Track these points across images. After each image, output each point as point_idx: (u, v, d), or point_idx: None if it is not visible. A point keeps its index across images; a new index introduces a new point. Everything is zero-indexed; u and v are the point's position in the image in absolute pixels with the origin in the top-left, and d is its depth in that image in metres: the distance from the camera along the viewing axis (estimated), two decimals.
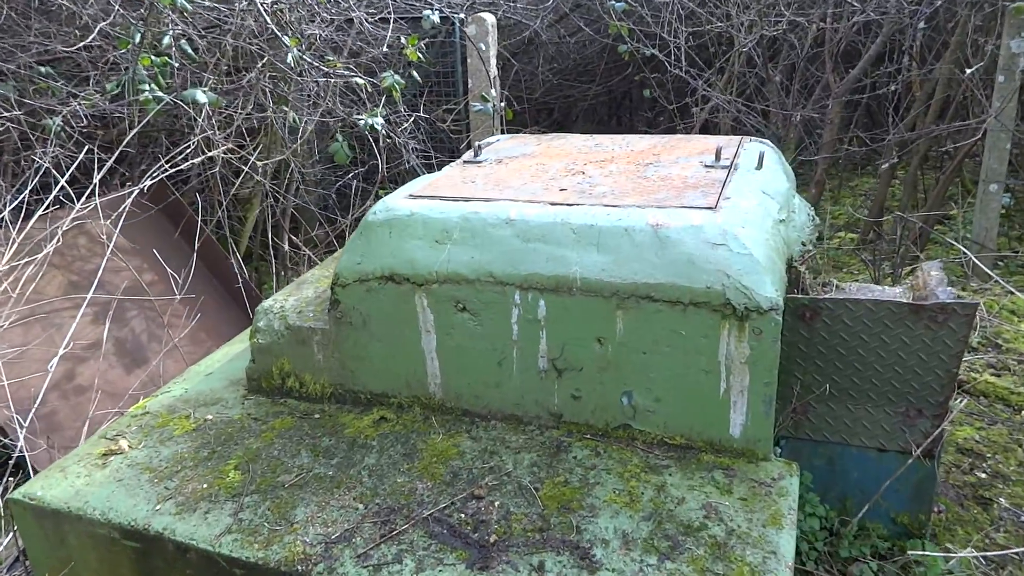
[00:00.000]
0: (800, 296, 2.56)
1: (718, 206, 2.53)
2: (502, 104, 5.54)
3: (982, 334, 4.72)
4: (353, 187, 5.57)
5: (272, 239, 5.48)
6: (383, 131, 5.19)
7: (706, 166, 2.98)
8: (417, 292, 2.71)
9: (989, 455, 3.57)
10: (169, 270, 4.53)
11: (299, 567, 2.23)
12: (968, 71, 4.62)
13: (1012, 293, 4.38)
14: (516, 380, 2.71)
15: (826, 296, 2.54)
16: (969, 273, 5.59)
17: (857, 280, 5.74)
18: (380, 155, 5.30)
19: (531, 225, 2.59)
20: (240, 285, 4.84)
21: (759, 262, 2.35)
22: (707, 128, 7.69)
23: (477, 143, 3.36)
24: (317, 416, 2.95)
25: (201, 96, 3.89)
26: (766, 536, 2.19)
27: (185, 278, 4.25)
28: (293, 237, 5.34)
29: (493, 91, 5.48)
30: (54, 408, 4.07)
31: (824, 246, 6.63)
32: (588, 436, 2.68)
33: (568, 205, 2.64)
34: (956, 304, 2.47)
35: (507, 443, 2.68)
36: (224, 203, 4.82)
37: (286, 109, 5.04)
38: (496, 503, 2.41)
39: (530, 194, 2.77)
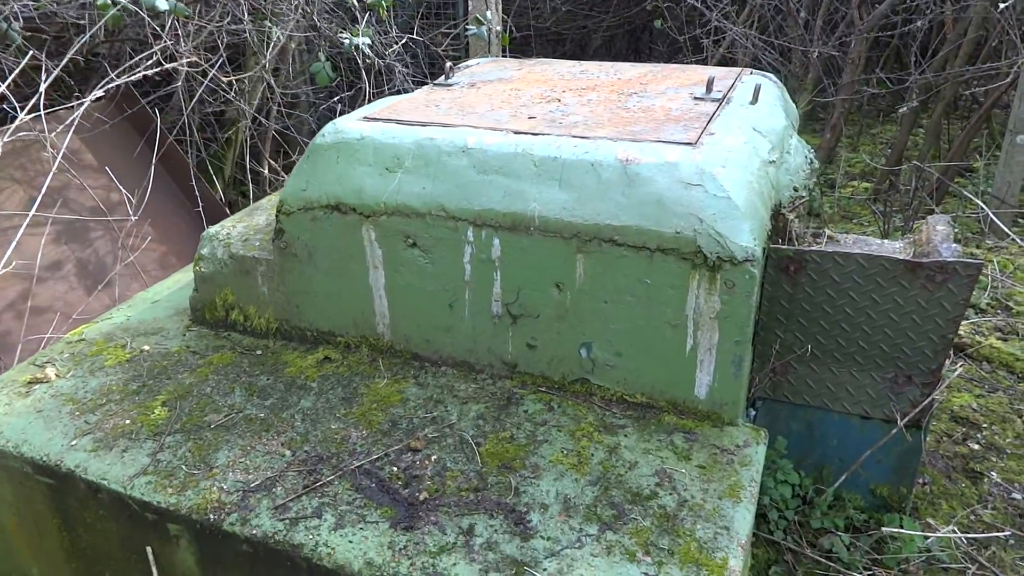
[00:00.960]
0: (784, 247, 2.30)
1: (699, 142, 2.25)
2: (498, 29, 5.18)
3: (992, 295, 4.43)
4: (337, 112, 5.28)
5: (253, 164, 5.23)
6: (369, 52, 4.87)
7: (695, 98, 2.69)
8: (364, 224, 2.47)
9: (985, 425, 3.34)
10: (124, 192, 4.30)
11: (211, 515, 2.06)
12: (1002, 5, 4.22)
13: None
14: (468, 325, 2.48)
15: (813, 248, 2.28)
16: (986, 230, 5.26)
17: (867, 232, 5.43)
18: (365, 78, 5.00)
19: (489, 155, 2.32)
20: (200, 208, 4.62)
21: (737, 207, 2.08)
22: (724, 65, 7.27)
23: (449, 64, 3.07)
24: (259, 353, 2.75)
25: (162, 3, 3.58)
26: (721, 509, 1.98)
27: (140, 199, 4.02)
28: (272, 163, 5.08)
29: (490, 13, 5.12)
30: (8, 328, 3.91)
31: (836, 195, 6.29)
32: (543, 389, 2.46)
33: (533, 135, 2.37)
34: (958, 263, 2.20)
35: (455, 392, 2.48)
36: (194, 123, 4.56)
37: (267, 24, 4.73)
38: (433, 457, 2.22)
39: (494, 121, 2.50)
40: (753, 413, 2.72)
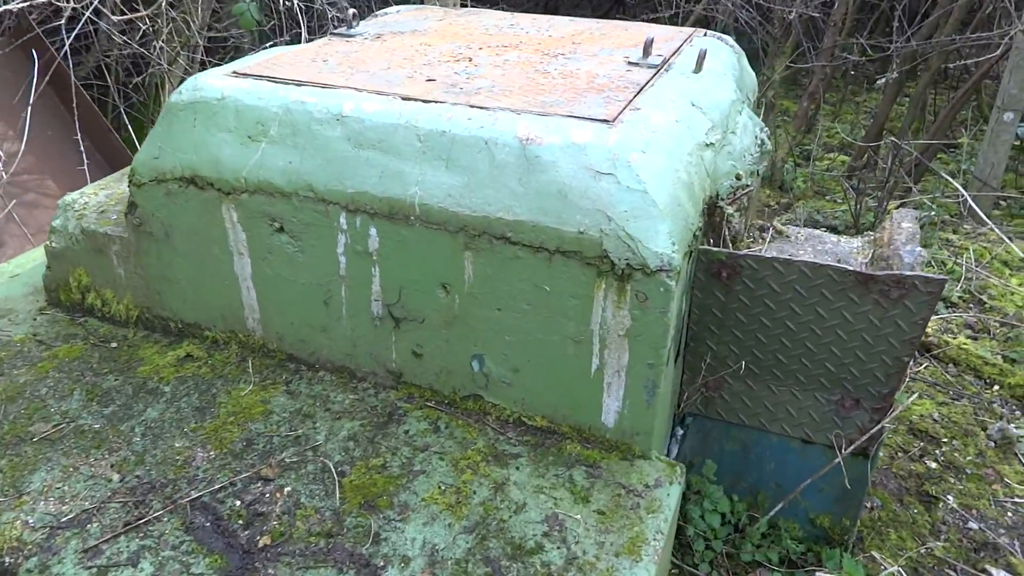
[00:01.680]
0: (715, 249, 1.93)
1: (618, 120, 1.86)
2: None
3: (965, 287, 4.10)
4: None
5: None
6: None
7: (629, 63, 2.28)
8: (225, 202, 2.07)
9: (946, 439, 3.03)
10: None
11: (6, 559, 1.70)
12: None
13: (1007, 241, 3.74)
14: (346, 326, 2.10)
15: (749, 253, 1.91)
16: (964, 213, 4.91)
17: (839, 212, 5.07)
18: (303, 21, 4.52)
19: (366, 126, 1.92)
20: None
21: (655, 203, 1.70)
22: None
23: (352, 11, 2.63)
24: (114, 345, 2.37)
25: None
26: (616, 570, 1.64)
27: (36, 151, 3.58)
28: None
29: None
30: None
31: (811, 168, 5.91)
32: (431, 404, 2.10)
33: (424, 102, 1.96)
34: (917, 278, 1.84)
35: (329, 404, 2.11)
36: (111, 71, 4.08)
37: None
38: (286, 489, 1.86)
39: (384, 83, 2.08)
40: (681, 432, 2.38)
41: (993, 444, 3.02)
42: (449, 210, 1.82)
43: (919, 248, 2.18)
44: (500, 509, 1.80)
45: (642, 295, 1.72)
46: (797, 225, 4.39)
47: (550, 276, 1.80)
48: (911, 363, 2.02)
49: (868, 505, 2.71)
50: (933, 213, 4.66)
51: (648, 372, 1.81)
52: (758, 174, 2.37)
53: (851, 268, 1.86)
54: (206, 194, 2.08)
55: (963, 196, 4.25)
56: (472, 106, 1.93)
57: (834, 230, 4.69)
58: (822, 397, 2.20)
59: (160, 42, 4.16)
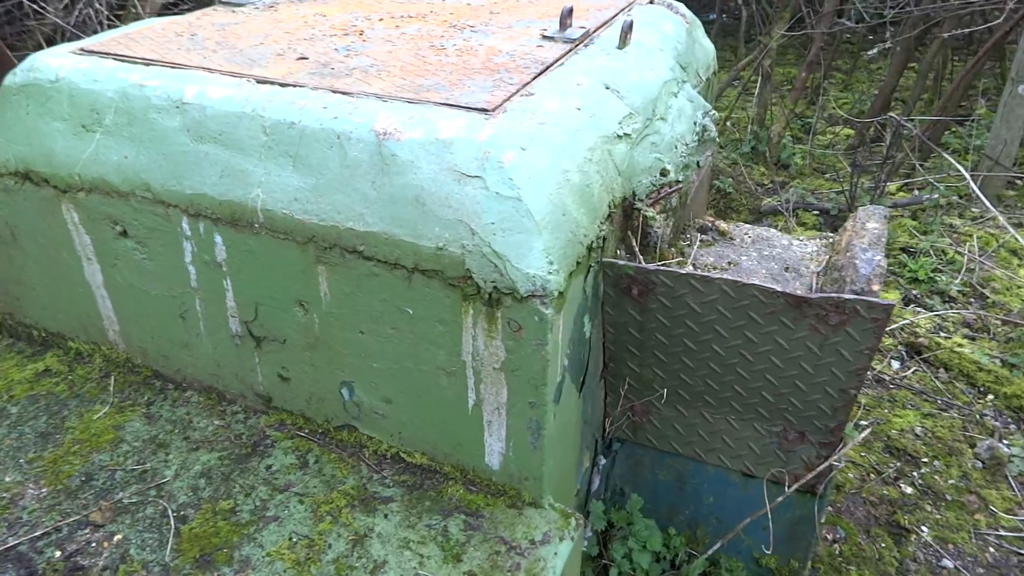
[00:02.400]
0: (619, 262, 1.62)
1: (500, 108, 1.54)
2: None
3: (965, 280, 3.74)
4: None
5: None
6: None
7: (544, 37, 1.95)
8: (62, 201, 1.79)
9: (927, 459, 2.71)
10: None
11: None
12: None
13: (1011, 231, 3.38)
14: (206, 342, 1.83)
15: (659, 267, 1.60)
16: (973, 195, 4.51)
17: (835, 191, 4.69)
18: None
19: (208, 115, 1.62)
20: None
21: (530, 212, 1.39)
22: None
23: None
24: None
25: None
26: None
27: None
28: None
29: None
30: None
31: (811, 144, 5.51)
32: (303, 433, 1.83)
33: (280, 86, 1.66)
34: (859, 303, 1.52)
35: (190, 431, 1.85)
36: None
37: None
38: (116, 537, 1.60)
39: (245, 63, 1.78)
40: (604, 461, 2.09)
41: (980, 464, 2.70)
42: (295, 217, 1.53)
43: (879, 257, 1.85)
44: (355, 569, 1.53)
45: (514, 324, 1.42)
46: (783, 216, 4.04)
47: (412, 298, 1.50)
48: (857, 395, 1.70)
49: (829, 537, 2.41)
50: (937, 196, 4.27)
51: (531, 412, 1.52)
52: (698, 166, 2.04)
53: (778, 289, 1.54)
54: (43, 191, 1.80)
55: (967, 179, 3.86)
56: (334, 91, 1.62)
57: (826, 213, 4.33)
58: (762, 428, 1.90)
59: (92, 8, 3.87)
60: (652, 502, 2.21)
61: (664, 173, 1.82)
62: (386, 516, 1.64)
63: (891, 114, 4.00)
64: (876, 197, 4.15)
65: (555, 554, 1.55)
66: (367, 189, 1.48)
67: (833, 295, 1.51)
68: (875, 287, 1.78)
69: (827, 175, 5.15)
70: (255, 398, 1.87)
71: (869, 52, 4.38)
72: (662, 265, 1.65)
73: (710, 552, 2.11)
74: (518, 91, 1.62)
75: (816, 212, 4.40)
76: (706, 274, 1.57)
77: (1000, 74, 6.19)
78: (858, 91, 6.68)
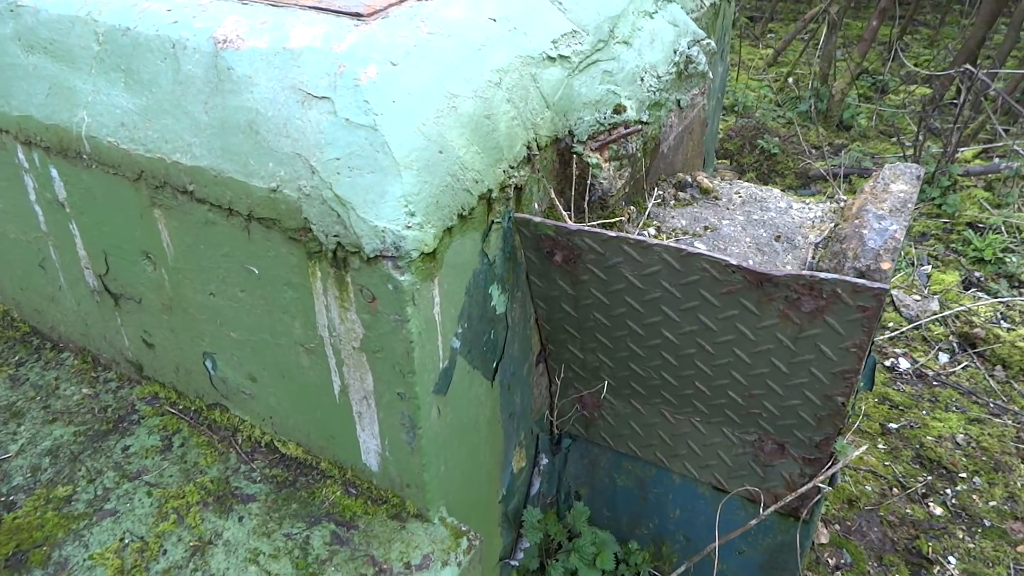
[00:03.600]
0: (534, 219, 1.25)
1: (380, 13, 1.19)
2: None
3: None
4: None
5: None
6: None
7: None
8: None
9: (965, 474, 2.27)
10: None
11: None
12: None
13: None
14: (69, 297, 1.56)
15: (581, 228, 1.22)
16: None
17: (900, 156, 4.14)
18: None
19: (41, 19, 1.32)
20: None
21: (387, 146, 1.05)
22: None
23: None
24: None
25: None
26: None
27: None
28: None
29: None
30: None
31: (878, 104, 4.92)
32: (175, 410, 1.55)
33: None
34: (840, 284, 1.12)
35: (54, 398, 1.59)
36: None
37: None
38: None
39: None
40: (546, 460, 1.75)
41: None
42: (120, 147, 1.22)
43: (895, 227, 1.44)
44: None
45: (367, 292, 1.09)
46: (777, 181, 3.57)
47: (254, 253, 1.19)
48: (847, 403, 1.31)
49: (831, 562, 2.02)
50: (1019, 164, 3.70)
51: (400, 405, 1.19)
52: (678, 106, 1.65)
53: (731, 262, 1.15)
54: None
55: None
56: None
57: None
58: (733, 435, 1.52)
59: None
60: (611, 510, 1.87)
61: (619, 110, 1.43)
62: (241, 519, 1.34)
63: (967, 66, 3.45)
64: (945, 163, 3.60)
65: None
66: (199, 112, 1.15)
67: (804, 273, 1.12)
68: (884, 265, 1.37)
69: (894, 139, 4.58)
70: (127, 365, 1.59)
71: None
72: (588, 226, 1.28)
73: (676, 574, 1.76)
74: None
75: (852, 178, 3.88)
76: (641, 238, 1.20)
77: None
78: (943, 48, 5.98)
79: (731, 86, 5.28)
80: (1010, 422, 2.46)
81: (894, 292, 3.05)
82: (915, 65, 5.71)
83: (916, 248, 3.35)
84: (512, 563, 1.74)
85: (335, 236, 1.07)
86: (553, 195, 1.33)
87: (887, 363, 2.71)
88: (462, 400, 1.30)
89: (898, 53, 5.01)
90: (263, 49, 1.14)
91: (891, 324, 2.91)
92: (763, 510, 1.55)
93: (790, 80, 5.36)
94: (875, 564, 2.00)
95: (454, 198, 1.11)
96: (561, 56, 1.34)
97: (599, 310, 1.40)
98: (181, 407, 1.56)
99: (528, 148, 1.27)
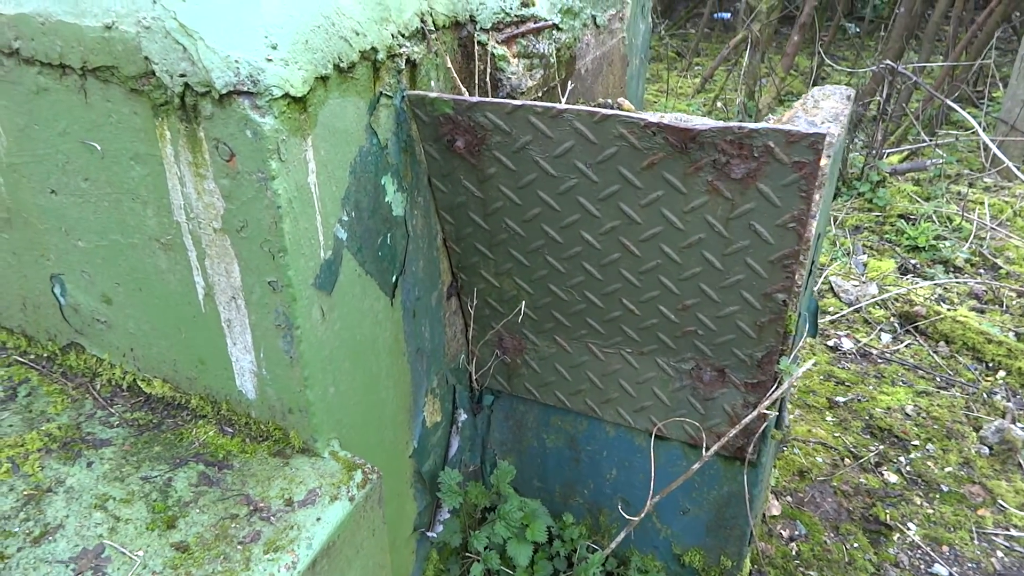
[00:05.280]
0: (429, 95, 1.10)
1: None
2: None
3: (975, 248, 3.18)
4: None
5: None
6: None
7: None
8: None
9: (918, 442, 2.15)
10: None
11: None
12: None
13: None
14: None
15: (482, 100, 1.08)
16: (987, 166, 3.96)
17: None
18: None
19: None
20: None
21: None
22: None
23: None
24: None
25: None
26: None
27: None
28: None
29: None
30: None
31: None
32: (26, 359, 1.33)
33: None
34: (772, 134, 0.99)
35: None
36: None
37: None
38: None
39: None
40: (465, 416, 1.56)
41: (987, 451, 2.13)
42: None
43: (830, 126, 1.33)
44: (9, 535, 1.01)
45: (224, 148, 0.91)
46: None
47: (94, 122, 1.00)
48: (788, 302, 1.17)
49: (784, 534, 1.85)
50: (943, 162, 3.73)
51: (274, 299, 1.00)
52: (595, 24, 1.53)
53: (651, 120, 1.01)
54: None
55: (980, 135, 3.32)
56: None
57: None
58: (668, 365, 1.37)
59: None
60: (542, 479, 1.68)
61: (528, 3, 1.31)
62: (90, 465, 1.12)
63: (886, 62, 3.49)
64: (874, 158, 3.60)
65: (317, 520, 1.03)
66: None
67: (731, 125, 0.99)
68: (820, 161, 1.25)
69: None
70: None
71: None
72: (488, 99, 1.14)
73: (614, 545, 1.57)
74: None
75: None
76: (549, 104, 1.05)
77: (1018, 38, 5.65)
78: (863, 77, 6.15)
79: (661, 108, 5.30)
80: (959, 394, 2.36)
81: (832, 279, 2.98)
82: (835, 82, 5.83)
83: (851, 239, 3.30)
84: (430, 535, 1.52)
85: (181, 76, 0.89)
86: (456, 76, 1.18)
87: (830, 343, 2.61)
88: (353, 309, 1.11)
89: (821, 71, 5.11)
90: None
91: (832, 308, 2.82)
92: (705, 451, 1.38)
93: (719, 103, 5.41)
94: (832, 534, 1.84)
95: (328, 43, 0.95)
96: None
97: (511, 215, 1.24)
98: (33, 356, 1.33)
99: (422, 20, 1.13)
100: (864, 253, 3.21)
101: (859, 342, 2.62)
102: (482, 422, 1.63)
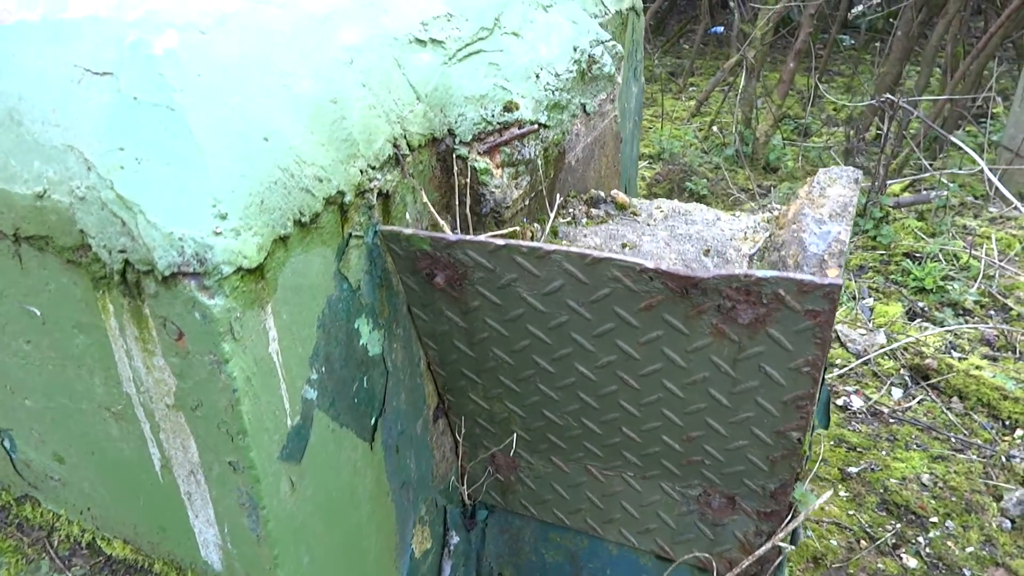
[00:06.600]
0: (404, 231, 1.00)
1: None
2: None
3: (983, 288, 3.08)
4: None
5: None
6: None
7: None
8: None
9: (936, 518, 2.04)
10: None
11: None
12: None
13: None
14: None
15: (462, 239, 0.98)
16: (990, 193, 3.86)
17: None
18: None
19: None
20: None
21: (187, 128, 0.80)
22: None
23: None
24: None
25: None
26: None
27: None
28: None
29: None
30: None
31: (801, 144, 4.89)
32: None
33: None
34: (782, 283, 0.89)
35: None
36: None
37: None
38: None
39: None
40: (457, 539, 1.46)
41: (1009, 524, 2.03)
42: None
43: (839, 228, 1.23)
44: None
45: (172, 327, 0.81)
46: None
47: (31, 287, 0.90)
48: (803, 438, 1.07)
49: None
50: (947, 193, 3.63)
51: (236, 478, 0.90)
52: (584, 112, 1.44)
53: (648, 265, 0.92)
54: None
55: (983, 168, 3.23)
56: None
57: None
58: (673, 490, 1.26)
59: None
60: None
61: (511, 108, 1.21)
62: None
63: (886, 96, 3.40)
64: (876, 194, 3.51)
65: None
66: None
67: (737, 273, 0.89)
68: (831, 272, 1.16)
69: None
70: None
71: (854, 9, 3.77)
72: (469, 236, 1.04)
73: None
74: None
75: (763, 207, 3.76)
76: (537, 245, 0.95)
77: (1017, 65, 5.57)
78: (860, 93, 6.07)
79: (656, 135, 5.22)
80: (975, 457, 2.26)
81: (838, 327, 2.88)
82: (833, 110, 5.77)
83: (856, 281, 3.21)
84: None
85: (121, 252, 0.80)
86: (430, 204, 1.08)
87: (839, 402, 2.51)
88: (327, 468, 1.01)
89: (818, 92, 5.02)
90: (33, 22, 0.88)
91: (839, 361, 2.72)
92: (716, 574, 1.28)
93: (715, 128, 5.32)
94: None
95: (287, 199, 0.86)
96: (433, 40, 1.12)
97: (498, 345, 1.14)
98: None
99: (395, 146, 1.03)
100: (870, 296, 3.11)
101: (869, 399, 2.52)
102: (476, 537, 1.53)
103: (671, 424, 1.14)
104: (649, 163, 4.87)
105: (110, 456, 1.01)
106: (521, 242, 0.97)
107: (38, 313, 0.92)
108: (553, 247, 0.95)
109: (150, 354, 0.86)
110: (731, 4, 5.77)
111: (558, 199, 1.37)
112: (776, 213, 1.45)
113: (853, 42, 7.44)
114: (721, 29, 8.08)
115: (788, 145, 4.97)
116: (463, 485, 1.44)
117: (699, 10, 7.41)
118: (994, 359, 2.72)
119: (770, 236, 1.35)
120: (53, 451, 1.08)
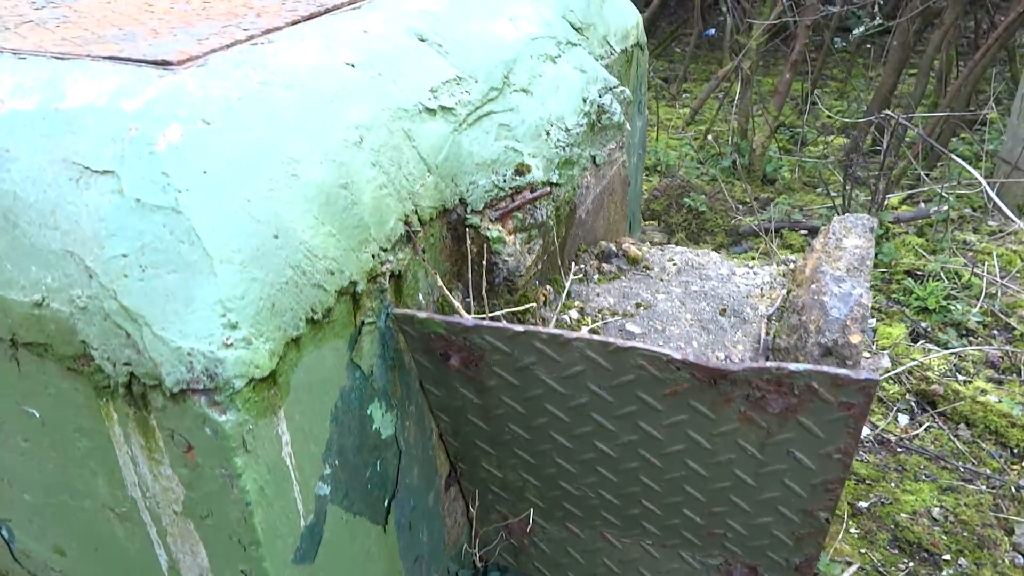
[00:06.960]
0: (418, 315, 0.96)
1: (194, 61, 0.91)
2: None
3: (986, 307, 3.06)
4: None
5: None
6: None
7: None
8: None
9: (949, 555, 2.02)
10: None
11: None
12: None
13: None
14: None
15: (480, 323, 0.95)
16: (990, 207, 3.85)
17: (824, 207, 4.04)
18: None
19: None
20: None
21: (195, 233, 0.75)
22: None
23: None
24: None
25: None
26: None
27: None
28: None
29: None
30: None
31: (798, 155, 4.87)
32: None
33: None
34: (816, 376, 0.85)
35: None
36: None
37: None
38: None
39: None
40: None
41: (1022, 559, 2.01)
42: None
43: (859, 290, 1.20)
44: None
45: (180, 440, 0.77)
46: (707, 245, 3.42)
47: (29, 390, 0.86)
48: (831, 516, 1.04)
49: None
50: (947, 207, 3.61)
51: None
52: (594, 163, 1.40)
53: (675, 356, 0.88)
54: None
55: (982, 184, 3.21)
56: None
57: (815, 232, 3.67)
58: (693, 559, 1.23)
59: None
60: None
61: (522, 171, 1.17)
62: None
63: (887, 111, 3.39)
64: (874, 211, 3.49)
65: None
66: None
67: (769, 366, 0.86)
68: (854, 339, 1.13)
69: (819, 190, 4.50)
70: None
71: (854, 32, 3.75)
72: (489, 319, 1.00)
73: None
74: (249, 39, 0.99)
75: (804, 232, 3.75)
76: (557, 332, 0.92)
77: (1011, 76, 5.56)
78: (854, 98, 6.05)
79: (651, 146, 5.19)
80: (984, 487, 2.24)
81: None
82: (828, 117, 5.75)
83: None
84: None
85: (126, 365, 0.75)
86: (442, 283, 1.04)
87: None
88: (341, 562, 0.97)
89: (813, 105, 5.00)
90: (28, 112, 0.84)
91: None
92: None
93: (709, 137, 5.30)
94: None
95: (299, 298, 0.82)
96: (443, 108, 1.08)
97: (514, 421, 1.10)
98: None
99: (406, 224, 0.99)
100: (872, 317, 3.09)
101: (876, 427, 2.49)
102: None
103: (693, 499, 1.11)
104: (646, 175, 4.84)
105: (115, 554, 0.97)
106: (540, 328, 0.93)
107: (37, 415, 0.88)
108: (575, 335, 0.92)
109: (157, 463, 0.82)
110: (723, 8, 5.75)
111: (572, 262, 1.33)
112: (792, 266, 1.41)
113: (845, 44, 7.43)
114: (713, 32, 8.05)
115: (784, 155, 4.95)
116: (475, 548, 1.41)
117: (691, 14, 7.38)
118: (999, 382, 2.70)
119: (788, 294, 1.32)
120: (53, 543, 1.03)
